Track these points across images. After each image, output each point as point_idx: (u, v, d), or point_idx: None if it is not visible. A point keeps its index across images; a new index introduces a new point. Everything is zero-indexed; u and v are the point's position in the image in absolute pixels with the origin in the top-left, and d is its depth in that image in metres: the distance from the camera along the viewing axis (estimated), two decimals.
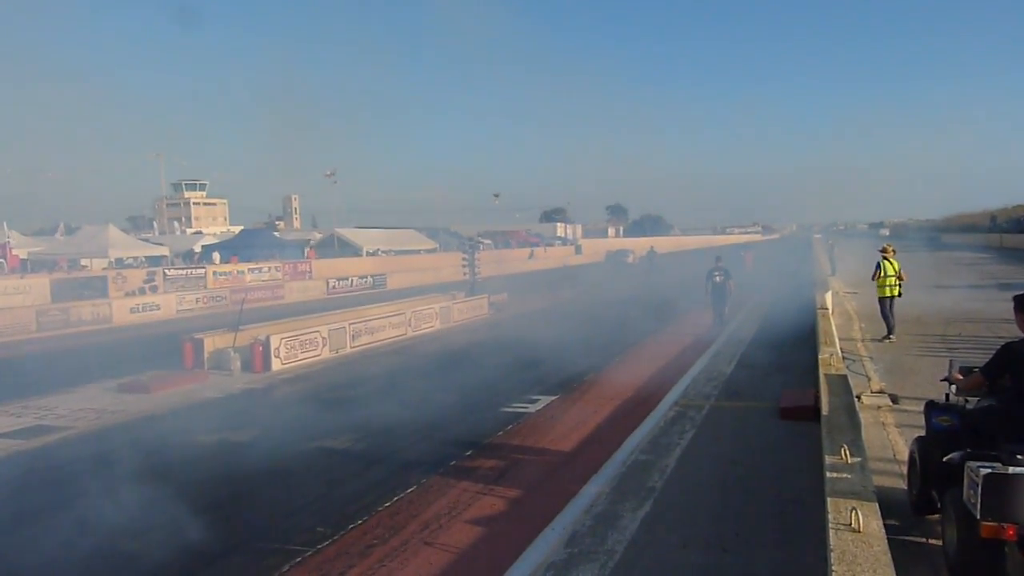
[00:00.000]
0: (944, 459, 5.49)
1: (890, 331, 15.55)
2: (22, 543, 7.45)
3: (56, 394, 14.49)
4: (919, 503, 6.18)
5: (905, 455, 8.09)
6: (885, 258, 15.71)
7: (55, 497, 8.69)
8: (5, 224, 42.51)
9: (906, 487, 6.76)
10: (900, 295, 15.60)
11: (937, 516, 5.81)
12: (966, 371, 6.19)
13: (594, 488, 7.99)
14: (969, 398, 6.07)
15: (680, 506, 7.26)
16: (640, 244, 77.47)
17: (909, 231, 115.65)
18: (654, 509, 7.17)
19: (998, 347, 5.47)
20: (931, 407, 6.26)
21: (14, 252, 39.58)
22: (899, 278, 15.52)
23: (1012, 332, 5.98)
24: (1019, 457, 4.75)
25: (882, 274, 15.58)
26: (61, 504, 8.43)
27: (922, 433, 6.40)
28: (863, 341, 15.70)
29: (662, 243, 74.41)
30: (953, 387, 6.26)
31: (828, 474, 5.57)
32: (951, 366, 6.37)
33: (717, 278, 21.85)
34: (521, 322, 25.51)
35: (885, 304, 15.58)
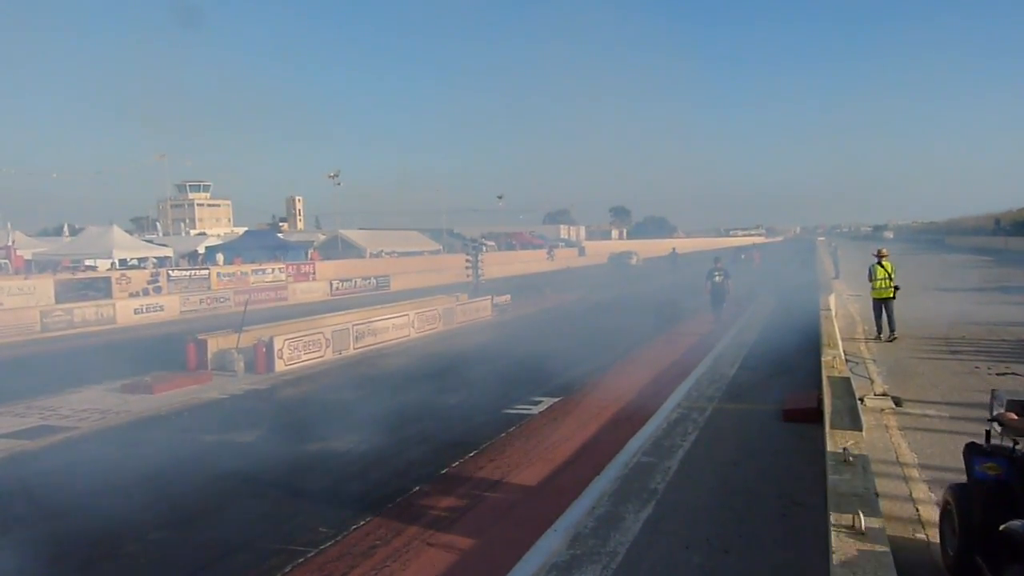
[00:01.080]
0: (1001, 528, 4.42)
1: (880, 331, 16.09)
2: (31, 541, 7.48)
3: (60, 394, 14.52)
4: (959, 567, 5.03)
5: (908, 457, 8.09)
6: (879, 262, 16.22)
7: (60, 496, 8.70)
8: (9, 225, 42.66)
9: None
10: (894, 297, 16.02)
11: None
12: (1017, 407, 5.13)
13: (597, 489, 7.99)
14: (1018, 439, 5.07)
15: (682, 508, 7.26)
16: (647, 246, 77.85)
17: (912, 233, 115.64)
18: (656, 511, 7.18)
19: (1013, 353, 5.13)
20: (973, 450, 5.16)
21: (18, 253, 39.70)
22: (892, 280, 16.00)
23: (1015, 335, 5.97)
24: None
25: (875, 277, 16.10)
26: (65, 503, 8.45)
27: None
28: (866, 343, 15.70)
29: (675, 244, 76.86)
30: (996, 425, 5.24)
31: (830, 476, 5.57)
32: (994, 399, 5.35)
33: (717, 278, 22.96)
34: (525, 324, 25.54)
35: (879, 306, 16.10)
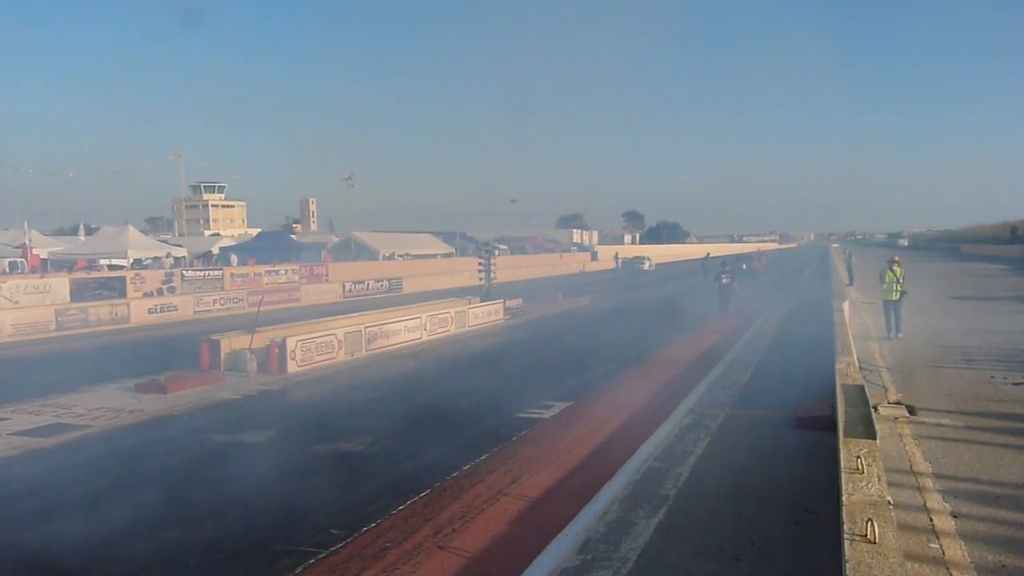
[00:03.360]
0: None
1: (889, 329, 17.88)
2: (41, 539, 7.54)
3: (74, 393, 14.63)
4: None
5: (922, 467, 8.03)
6: (890, 267, 18.33)
7: (73, 494, 8.77)
8: (26, 224, 42.95)
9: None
10: (898, 299, 17.87)
11: None
12: None
13: (608, 495, 7.97)
14: None
15: (694, 514, 7.24)
16: (660, 251, 78.09)
17: (927, 241, 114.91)
18: (668, 517, 7.15)
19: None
20: None
21: (35, 252, 40.02)
22: (900, 284, 17.97)
23: None
24: None
25: (884, 280, 18.28)
26: (77, 501, 8.51)
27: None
28: (880, 351, 15.61)
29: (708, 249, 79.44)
30: None
31: (844, 484, 5.54)
32: None
33: (724, 280, 25.53)
34: (537, 328, 25.52)
35: (889, 307, 18.05)
